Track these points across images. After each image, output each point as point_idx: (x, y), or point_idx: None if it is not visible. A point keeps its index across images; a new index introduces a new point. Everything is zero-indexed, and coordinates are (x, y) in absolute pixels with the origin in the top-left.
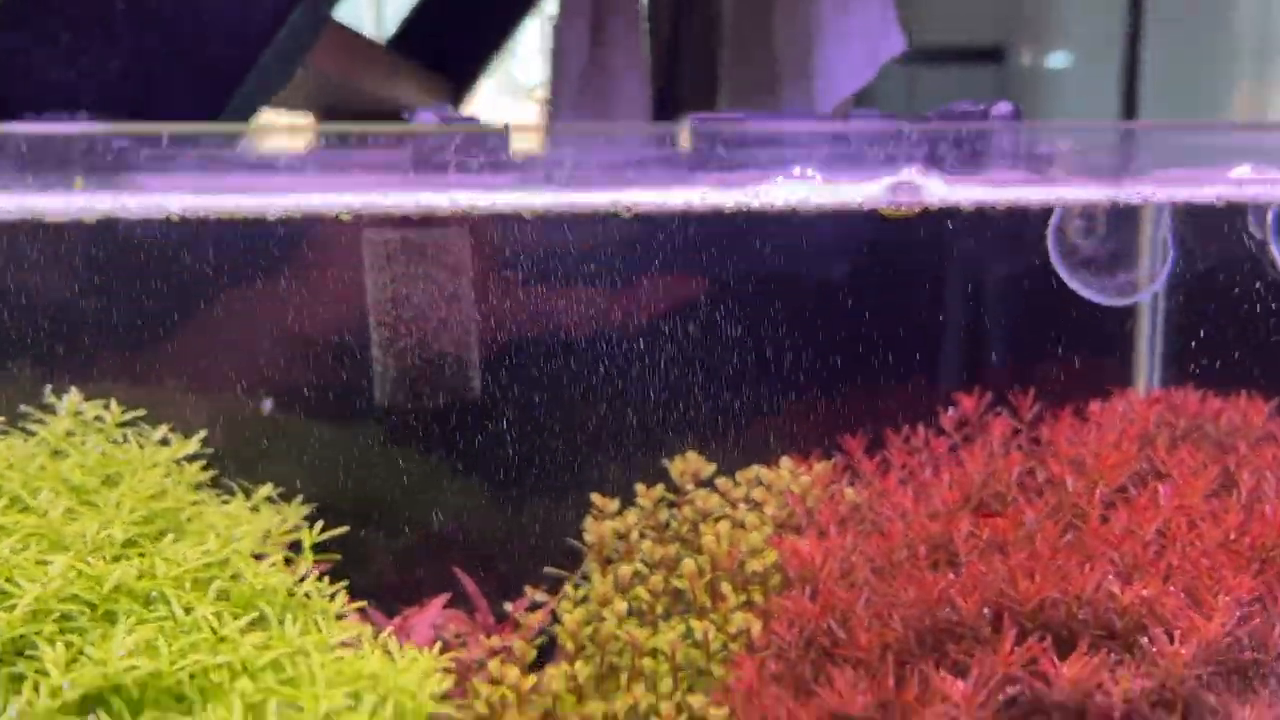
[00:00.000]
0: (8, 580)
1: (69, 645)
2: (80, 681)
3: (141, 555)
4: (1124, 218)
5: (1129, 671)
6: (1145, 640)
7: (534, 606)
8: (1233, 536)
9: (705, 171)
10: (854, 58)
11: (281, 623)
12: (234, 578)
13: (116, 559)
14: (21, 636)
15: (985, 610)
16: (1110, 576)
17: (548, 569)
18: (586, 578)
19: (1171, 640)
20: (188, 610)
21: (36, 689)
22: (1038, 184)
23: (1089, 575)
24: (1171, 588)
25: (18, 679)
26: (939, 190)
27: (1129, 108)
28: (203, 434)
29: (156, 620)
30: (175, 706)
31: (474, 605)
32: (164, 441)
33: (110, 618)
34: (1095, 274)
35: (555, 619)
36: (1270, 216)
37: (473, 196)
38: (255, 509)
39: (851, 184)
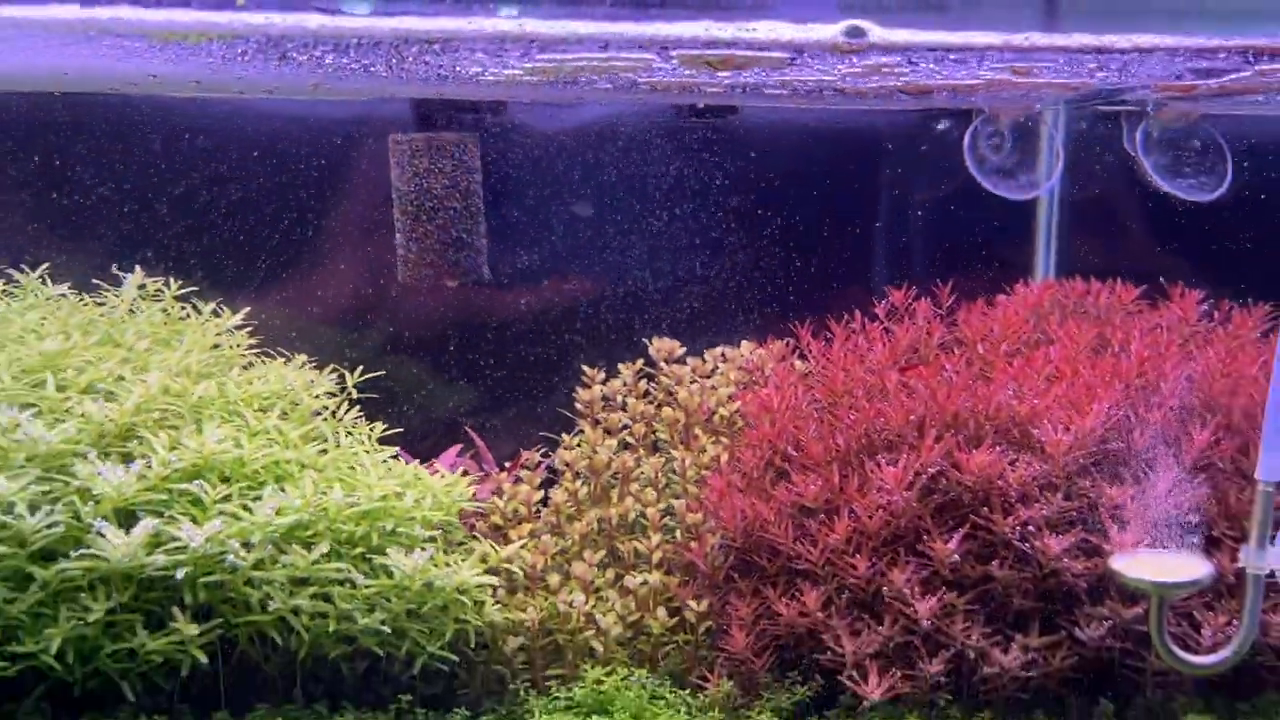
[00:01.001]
0: (111, 389)
1: (170, 437)
2: (183, 457)
3: (219, 383)
4: (1025, 132)
5: (1023, 461)
6: (1037, 434)
7: (534, 463)
8: (1107, 376)
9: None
10: None
11: (334, 439)
12: (294, 404)
13: (196, 383)
14: (131, 427)
15: (911, 419)
16: (1010, 395)
17: (545, 433)
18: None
19: (1056, 433)
20: (259, 421)
21: (149, 463)
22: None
23: (994, 391)
24: (1060, 405)
25: (129, 457)
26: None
27: None
28: (246, 309)
29: (236, 426)
30: (258, 487)
31: (482, 457)
32: (215, 313)
33: (199, 423)
34: (1003, 177)
35: (553, 473)
36: (1139, 134)
37: None
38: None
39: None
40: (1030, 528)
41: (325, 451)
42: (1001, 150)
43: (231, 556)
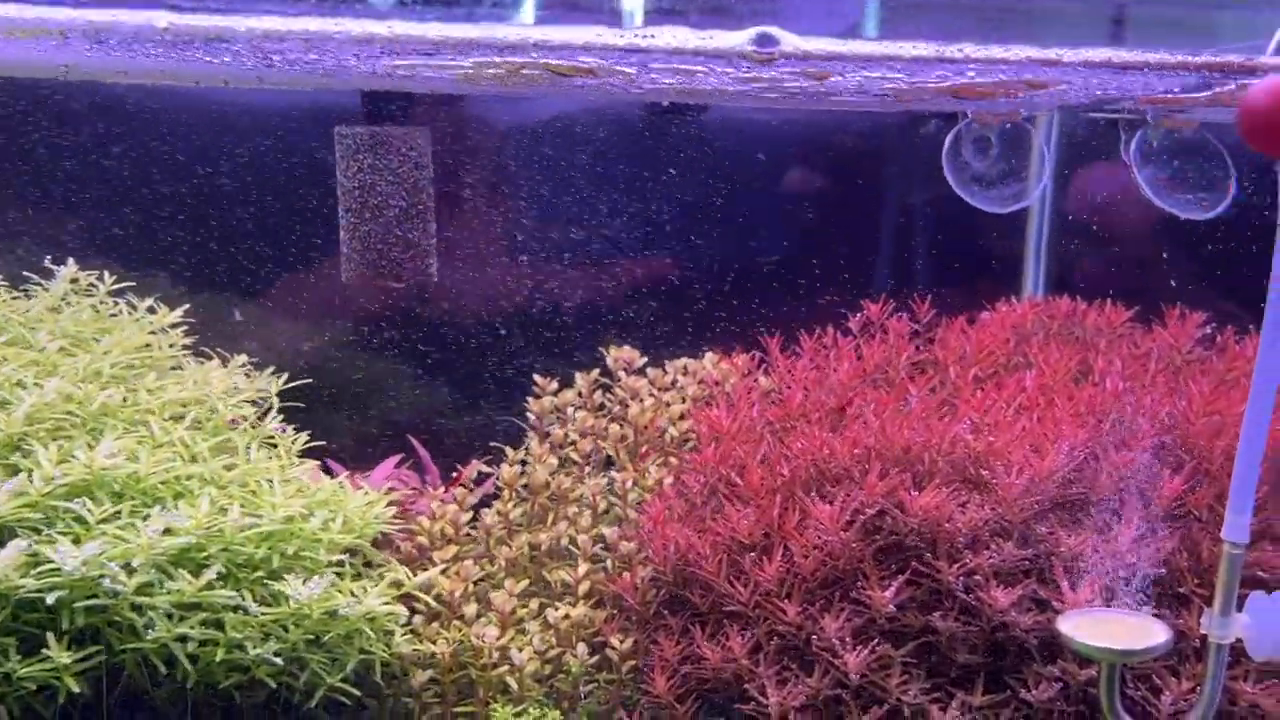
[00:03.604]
0: (8, 394)
1: (60, 449)
2: (70, 472)
3: (130, 389)
4: (1013, 138)
5: (974, 503)
6: (987, 475)
7: (480, 475)
8: (1083, 409)
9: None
10: None
11: (248, 453)
12: (212, 411)
13: (104, 389)
14: (22, 437)
15: (857, 453)
16: (968, 429)
17: (494, 443)
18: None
19: (1009, 475)
20: (166, 433)
21: (31, 476)
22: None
23: (948, 426)
24: (1022, 442)
25: (14, 470)
26: (794, 41)
27: None
28: (185, 306)
29: (138, 438)
30: (155, 505)
31: (425, 469)
32: (151, 310)
33: (97, 434)
34: (984, 187)
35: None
36: (1133, 144)
37: None
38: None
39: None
40: (977, 577)
41: (233, 466)
42: (985, 158)
43: (108, 580)
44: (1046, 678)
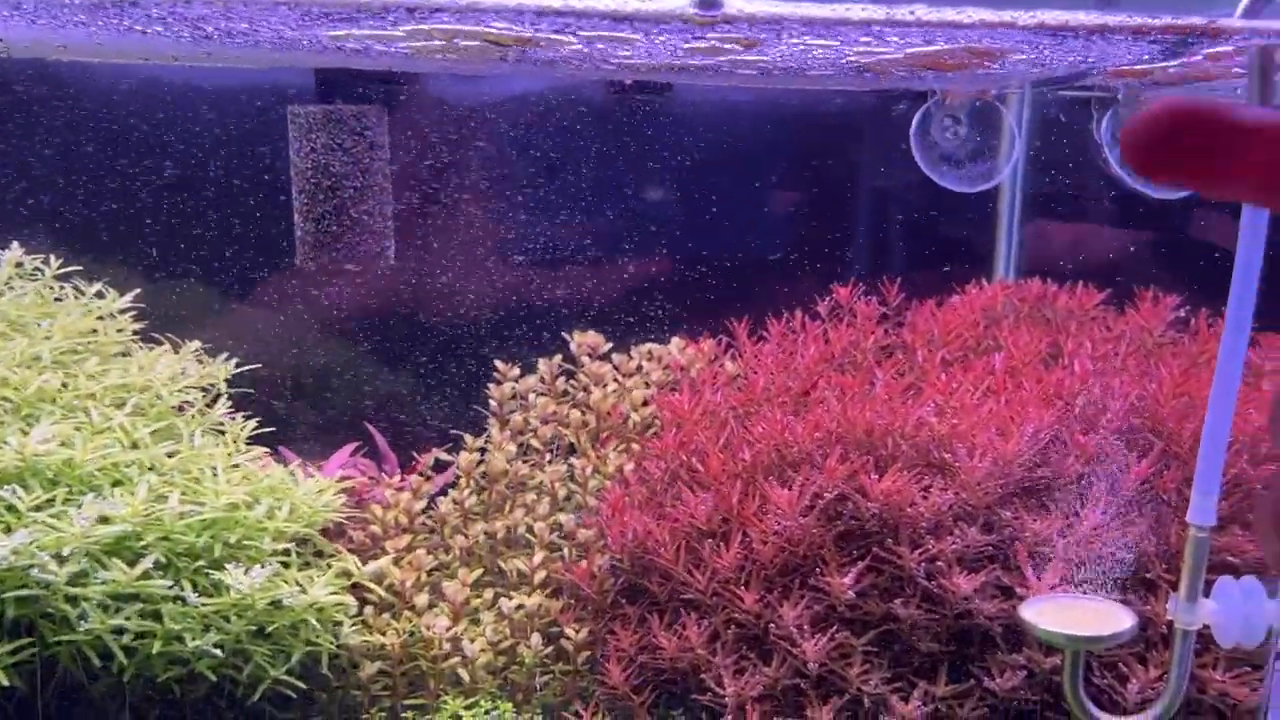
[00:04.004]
0: None
1: None
2: (0, 459)
3: (70, 375)
4: (983, 116)
5: (937, 488)
6: (949, 458)
7: (439, 463)
8: (1050, 391)
9: None
10: None
11: (192, 440)
12: (157, 397)
13: (42, 374)
14: None
15: (818, 436)
16: (932, 412)
17: (455, 431)
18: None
19: (973, 458)
20: (105, 419)
21: None
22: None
23: (912, 408)
24: (987, 424)
25: None
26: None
27: None
28: (136, 291)
29: (76, 424)
30: (88, 492)
31: (384, 458)
32: (99, 294)
33: (33, 420)
34: (954, 167)
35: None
36: (1104, 123)
37: None
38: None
39: None
40: (939, 563)
41: (176, 453)
42: (955, 138)
43: (37, 570)
44: (1011, 666)
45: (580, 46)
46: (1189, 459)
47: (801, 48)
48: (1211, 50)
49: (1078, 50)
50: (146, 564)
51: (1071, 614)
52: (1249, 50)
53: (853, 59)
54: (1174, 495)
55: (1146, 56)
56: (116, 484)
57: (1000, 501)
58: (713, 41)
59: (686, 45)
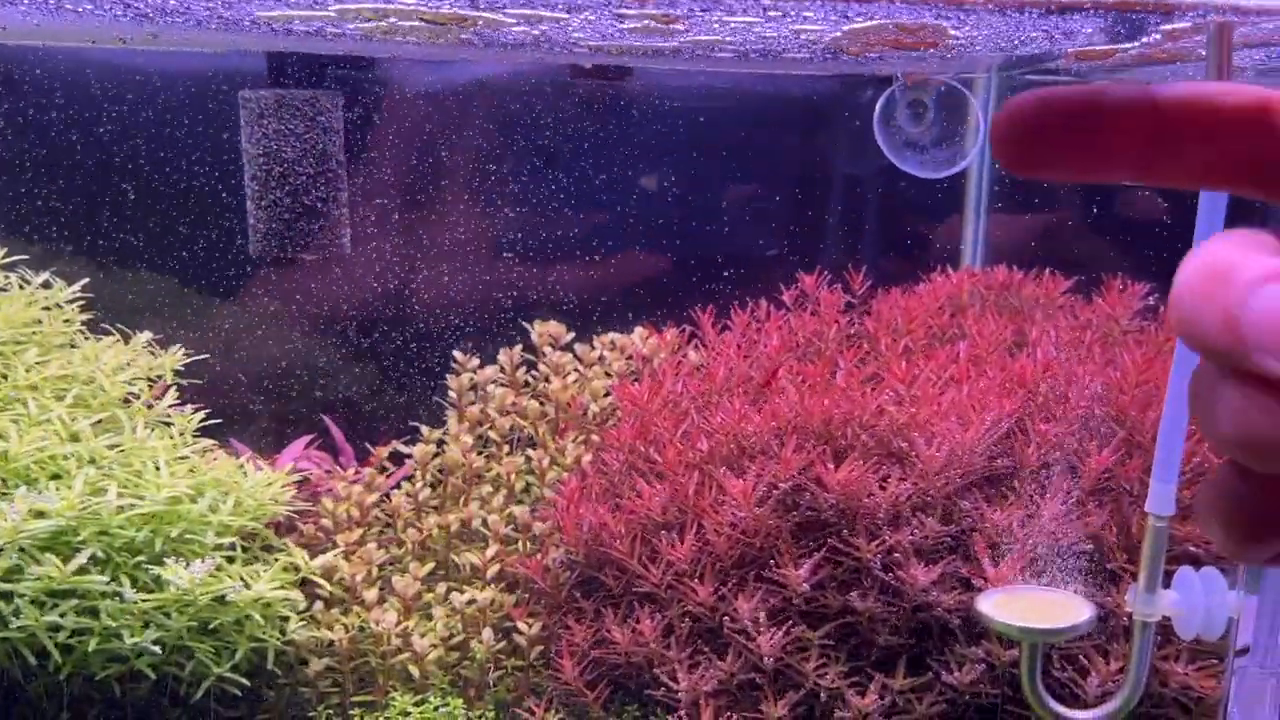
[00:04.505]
0: None
1: None
2: None
3: (7, 366)
4: (947, 102)
5: (895, 478)
6: (907, 447)
7: (397, 455)
8: (1013, 380)
9: None
10: None
11: (135, 432)
12: (101, 389)
13: None
14: None
15: (775, 425)
16: (891, 400)
17: (413, 423)
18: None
19: (931, 447)
20: (43, 410)
21: None
22: None
23: (871, 398)
24: (948, 413)
25: None
26: None
27: None
28: (84, 281)
29: (13, 416)
30: (27, 485)
31: (340, 451)
32: (46, 284)
33: None
34: (918, 152)
35: None
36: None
37: None
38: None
39: None
40: (896, 555)
41: (117, 446)
42: (919, 123)
43: None
44: (970, 659)
45: (525, 28)
46: (1151, 448)
47: (719, 26)
48: (1169, 27)
49: (1027, 26)
50: (82, 559)
51: (1029, 606)
52: (1207, 28)
53: (797, 37)
54: (1136, 485)
55: (1097, 34)
56: (54, 477)
57: (959, 492)
58: (646, 21)
59: (624, 25)
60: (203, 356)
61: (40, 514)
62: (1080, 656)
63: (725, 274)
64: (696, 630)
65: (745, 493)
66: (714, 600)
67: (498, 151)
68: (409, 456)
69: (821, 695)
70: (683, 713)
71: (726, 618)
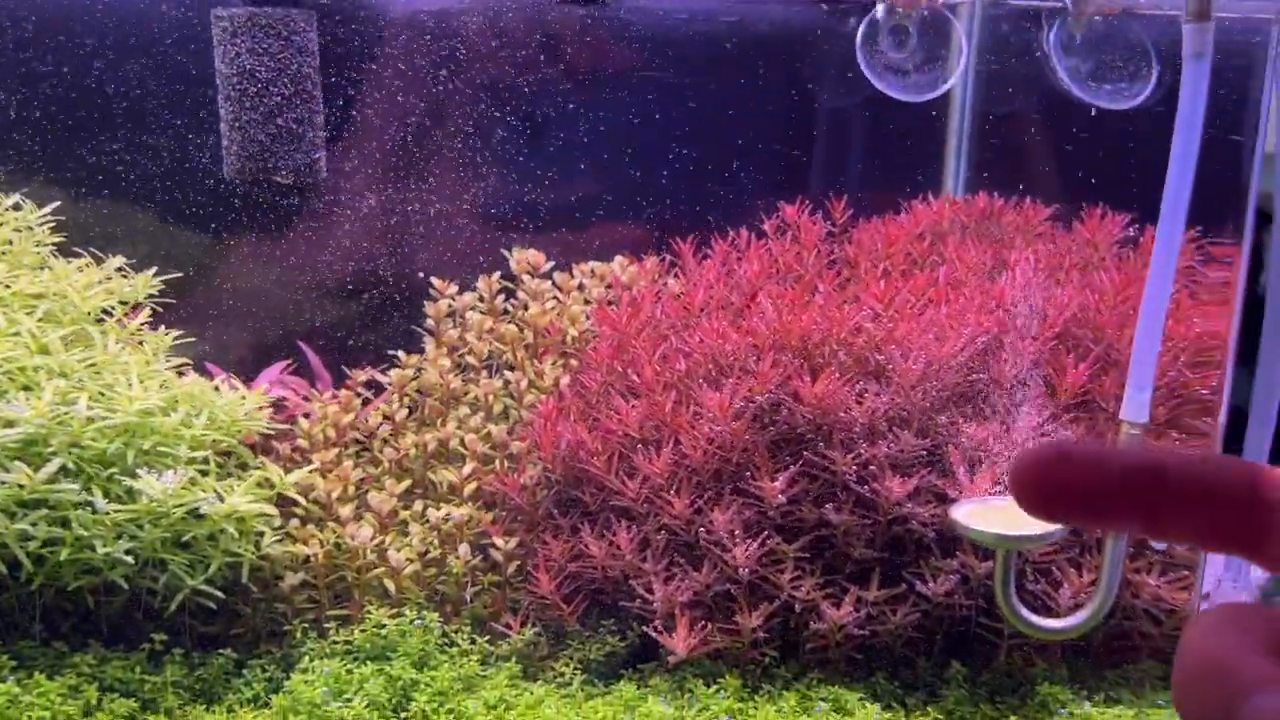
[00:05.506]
0: None
1: None
2: None
3: None
4: (931, 26)
5: (872, 392)
6: (883, 360)
7: (374, 382)
8: (991, 300)
9: None
10: None
11: (106, 349)
12: (71, 305)
13: None
14: None
15: (753, 342)
16: (869, 318)
17: (391, 351)
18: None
19: (907, 360)
20: (12, 324)
21: None
22: None
23: (848, 315)
24: (926, 330)
25: None
26: None
27: None
28: (55, 204)
29: None
30: None
31: (316, 375)
32: (16, 206)
33: None
34: (901, 75)
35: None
36: (1052, 34)
37: None
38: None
39: None
40: (871, 468)
41: (89, 360)
42: (902, 48)
43: None
44: (945, 571)
45: None
46: (1127, 365)
47: None
48: None
49: None
50: (52, 468)
51: (1002, 515)
52: None
53: None
54: (1112, 401)
55: None
56: (24, 389)
57: (936, 406)
58: None
59: None
60: (176, 275)
61: (10, 424)
62: (1053, 569)
63: (702, 203)
64: (673, 544)
65: (722, 406)
66: (690, 513)
67: (476, 76)
68: (388, 385)
69: (796, 607)
70: (658, 623)
71: (702, 530)
